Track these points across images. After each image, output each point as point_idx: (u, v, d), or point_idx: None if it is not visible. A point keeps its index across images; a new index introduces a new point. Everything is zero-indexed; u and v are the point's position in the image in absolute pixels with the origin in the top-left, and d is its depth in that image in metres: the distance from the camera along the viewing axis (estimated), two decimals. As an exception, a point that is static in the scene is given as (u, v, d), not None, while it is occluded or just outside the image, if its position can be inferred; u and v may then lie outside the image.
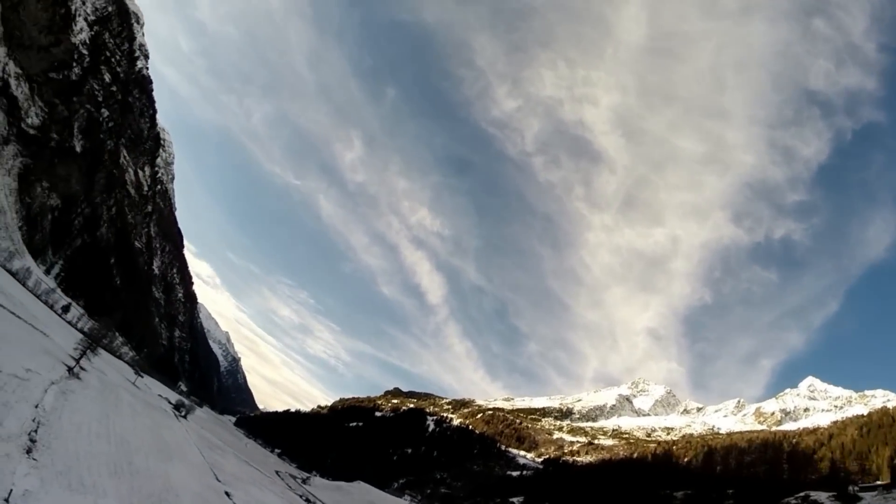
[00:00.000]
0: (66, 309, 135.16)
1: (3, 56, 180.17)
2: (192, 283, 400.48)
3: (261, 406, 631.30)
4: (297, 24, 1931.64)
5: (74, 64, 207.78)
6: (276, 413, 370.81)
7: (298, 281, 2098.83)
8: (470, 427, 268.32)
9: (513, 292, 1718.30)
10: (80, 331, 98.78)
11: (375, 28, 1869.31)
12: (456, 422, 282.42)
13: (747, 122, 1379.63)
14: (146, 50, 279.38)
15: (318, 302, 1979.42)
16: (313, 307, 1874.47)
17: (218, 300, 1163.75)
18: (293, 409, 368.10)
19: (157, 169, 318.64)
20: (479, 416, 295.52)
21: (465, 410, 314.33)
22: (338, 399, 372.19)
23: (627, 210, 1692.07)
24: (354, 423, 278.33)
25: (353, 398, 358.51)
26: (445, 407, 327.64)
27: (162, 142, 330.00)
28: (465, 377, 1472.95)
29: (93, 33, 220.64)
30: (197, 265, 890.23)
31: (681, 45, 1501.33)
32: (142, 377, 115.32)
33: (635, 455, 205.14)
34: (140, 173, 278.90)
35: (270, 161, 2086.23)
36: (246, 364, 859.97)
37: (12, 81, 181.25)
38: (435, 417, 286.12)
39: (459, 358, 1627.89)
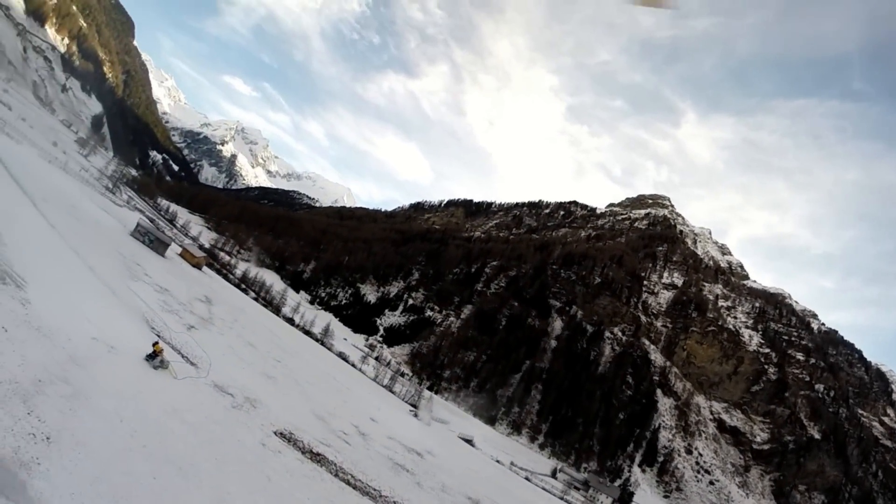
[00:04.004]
0: None
1: (704, 401, 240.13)
2: None
3: None
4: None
5: (765, 366, 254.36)
6: None
7: None
8: None
9: None
10: None
11: None
12: None
13: None
14: (809, 311, 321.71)
15: None
16: None
17: None
18: None
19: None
20: None
21: None
22: None
23: None
24: None
25: None
26: None
27: (890, 377, 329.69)
28: None
29: (760, 332, 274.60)
30: None
31: None
32: None
33: None
34: (885, 419, 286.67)
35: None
36: None
37: (724, 416, 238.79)
38: None
39: None
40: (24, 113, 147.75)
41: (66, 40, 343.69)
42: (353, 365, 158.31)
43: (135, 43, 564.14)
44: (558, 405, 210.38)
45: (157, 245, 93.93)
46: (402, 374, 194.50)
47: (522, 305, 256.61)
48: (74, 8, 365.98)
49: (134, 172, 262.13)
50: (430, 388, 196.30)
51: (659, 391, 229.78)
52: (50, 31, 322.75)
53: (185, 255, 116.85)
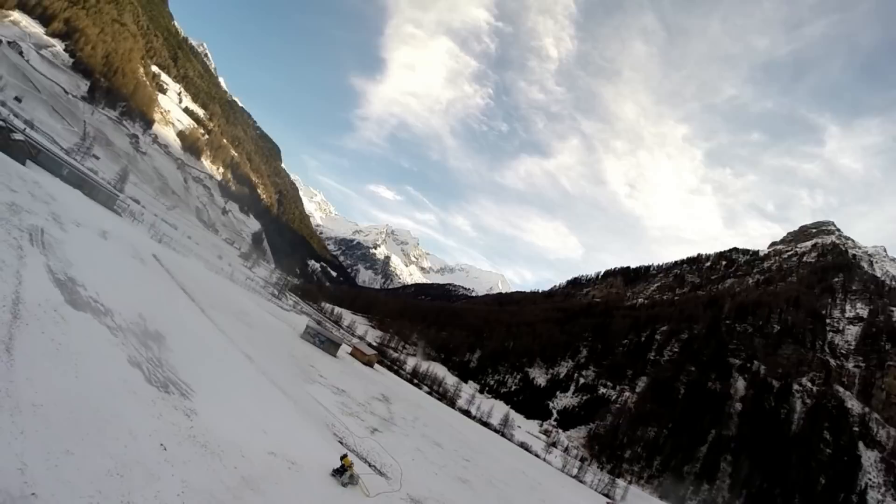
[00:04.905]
0: None
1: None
2: None
3: None
4: None
5: None
6: None
7: None
8: None
9: None
10: None
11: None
12: None
13: None
14: None
15: None
16: None
17: None
18: None
19: None
20: None
21: None
22: None
23: None
24: None
25: None
26: None
27: None
28: None
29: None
30: None
31: None
32: None
33: None
34: None
35: None
36: None
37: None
38: None
39: None
40: (189, 232, 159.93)
41: (221, 169, 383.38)
42: (537, 455, 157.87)
43: (283, 166, 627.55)
44: (751, 476, 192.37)
45: (329, 346, 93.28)
46: (583, 460, 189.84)
47: (700, 369, 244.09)
48: (225, 141, 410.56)
49: (295, 281, 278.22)
50: (611, 472, 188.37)
51: (861, 444, 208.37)
52: (206, 162, 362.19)
53: (356, 353, 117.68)
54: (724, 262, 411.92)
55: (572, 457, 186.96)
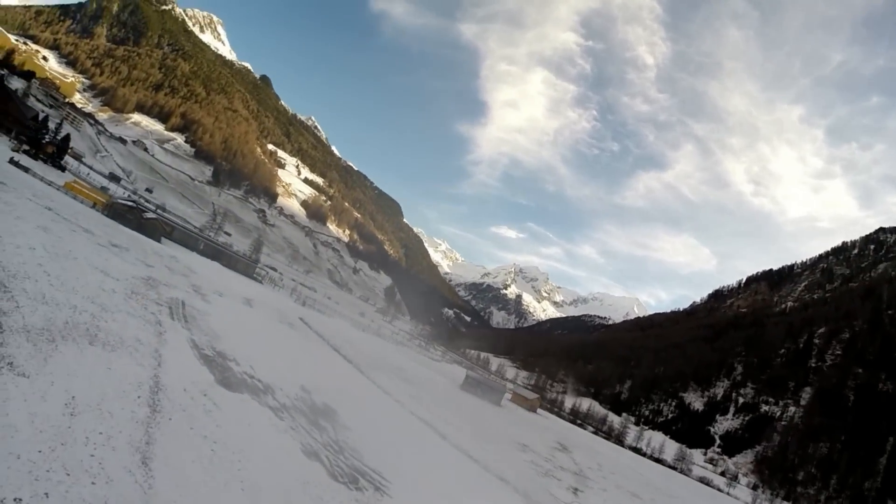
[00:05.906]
0: None
1: None
2: None
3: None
4: None
5: None
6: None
7: None
8: None
9: None
10: None
11: None
12: None
13: None
14: None
15: None
16: None
17: None
18: None
19: None
20: None
21: None
22: None
23: None
24: None
25: None
26: None
27: None
28: None
29: None
30: None
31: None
32: None
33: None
34: None
35: None
36: None
37: None
38: None
39: None
40: (327, 293, 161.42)
41: (347, 231, 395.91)
42: (720, 489, 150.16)
43: (405, 220, 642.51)
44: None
45: (491, 394, 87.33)
46: (755, 487, 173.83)
47: (867, 370, 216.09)
48: (347, 204, 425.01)
49: (430, 329, 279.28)
50: (785, 498, 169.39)
51: None
52: (331, 226, 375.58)
53: (517, 399, 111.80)
54: (871, 247, 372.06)
55: (755, 488, 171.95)
